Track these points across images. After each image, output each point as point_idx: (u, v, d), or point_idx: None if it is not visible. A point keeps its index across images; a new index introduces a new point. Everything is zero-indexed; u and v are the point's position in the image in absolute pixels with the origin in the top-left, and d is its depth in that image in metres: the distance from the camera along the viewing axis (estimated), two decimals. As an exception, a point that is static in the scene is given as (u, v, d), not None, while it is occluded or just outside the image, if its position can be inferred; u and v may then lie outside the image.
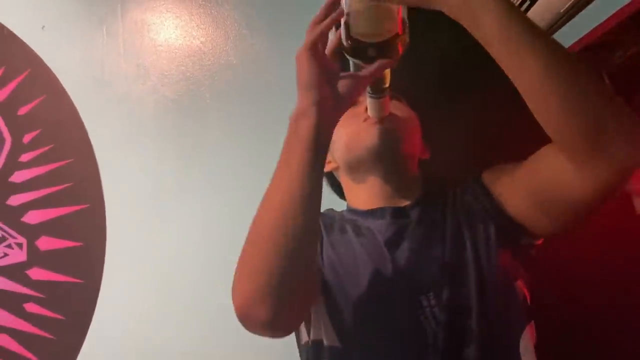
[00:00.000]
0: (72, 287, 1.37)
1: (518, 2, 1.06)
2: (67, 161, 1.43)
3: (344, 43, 0.72)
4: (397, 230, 0.84)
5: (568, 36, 1.00)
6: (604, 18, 0.88)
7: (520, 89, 0.65)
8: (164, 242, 1.36)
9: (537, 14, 1.02)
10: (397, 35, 0.72)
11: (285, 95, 1.15)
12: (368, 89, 0.81)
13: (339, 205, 1.01)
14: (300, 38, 1.36)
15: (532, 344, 0.79)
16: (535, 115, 0.66)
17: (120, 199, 1.40)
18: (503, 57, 0.65)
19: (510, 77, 0.65)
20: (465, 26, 0.65)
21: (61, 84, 1.45)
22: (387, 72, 0.78)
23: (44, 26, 1.46)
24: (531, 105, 0.65)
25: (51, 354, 1.35)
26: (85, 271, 1.38)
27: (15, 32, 1.49)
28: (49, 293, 1.38)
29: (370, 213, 0.88)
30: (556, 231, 0.80)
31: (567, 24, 1.00)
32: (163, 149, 1.39)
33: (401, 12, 0.72)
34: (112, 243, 1.38)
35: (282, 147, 0.71)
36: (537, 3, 1.00)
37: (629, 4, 0.82)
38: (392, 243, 0.83)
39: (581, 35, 0.96)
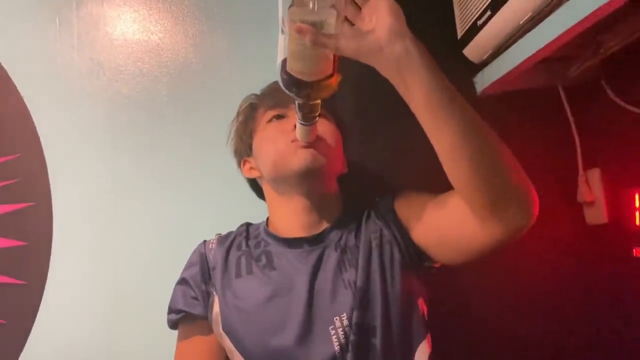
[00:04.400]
0: (14, 289, 1.30)
1: (479, 12, 1.07)
2: (13, 156, 1.36)
3: (280, 75, 0.77)
4: (314, 257, 0.91)
5: (525, 48, 1.02)
6: (561, 31, 0.90)
7: (436, 150, 0.73)
8: (115, 242, 1.31)
9: (497, 24, 1.04)
10: (330, 75, 0.76)
11: (243, 96, 1.13)
12: (298, 116, 0.85)
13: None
14: (260, 37, 1.36)
15: (427, 354, 0.87)
16: (446, 173, 0.74)
17: (69, 197, 1.33)
18: (425, 121, 0.71)
19: (429, 137, 0.72)
20: (394, 85, 0.71)
21: (9, 76, 1.37)
22: (318, 104, 0.82)
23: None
24: (444, 165, 0.73)
25: (-11, 360, 1.28)
26: (29, 272, 1.31)
27: (-40, 20, 1.41)
28: (-12, 295, 1.31)
29: (287, 243, 0.95)
30: (452, 263, 0.88)
31: (525, 36, 1.01)
32: (116, 146, 1.34)
33: (336, 54, 0.75)
34: (58, 243, 1.31)
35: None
36: (497, 14, 1.02)
37: (585, 19, 0.84)
38: (310, 270, 0.89)
39: (538, 48, 0.98)
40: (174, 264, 1.04)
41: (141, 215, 1.32)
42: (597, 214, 1.19)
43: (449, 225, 0.82)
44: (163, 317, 1.01)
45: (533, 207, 0.73)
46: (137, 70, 1.37)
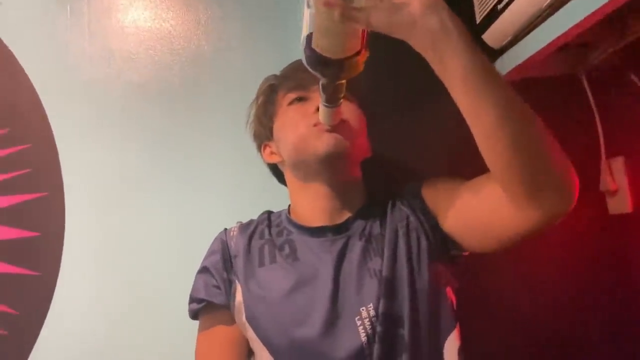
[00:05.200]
0: (27, 279, 1.30)
1: (500, -5, 1.04)
2: (24, 146, 1.35)
3: (303, 51, 0.71)
4: (338, 246, 0.89)
5: (547, 33, 0.99)
6: (584, 16, 0.87)
7: (473, 132, 0.68)
8: (127, 233, 1.30)
9: (518, 9, 1.00)
10: (358, 52, 0.71)
11: (256, 84, 1.11)
12: (322, 97, 0.80)
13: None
14: (272, 24, 1.34)
15: (456, 346, 0.84)
16: (482, 155, 0.69)
17: (81, 187, 1.32)
18: (462, 100, 0.67)
19: (465, 118, 0.68)
20: (429, 62, 0.66)
21: (20, 65, 1.36)
22: (343, 84, 0.77)
23: (0, 2, 1.37)
24: (482, 147, 0.69)
25: (3, 351, 1.28)
26: (42, 263, 1.30)
27: (-30, 7, 1.40)
28: (1, 286, 1.30)
29: (311, 232, 0.92)
30: (483, 251, 0.85)
31: (546, 21, 0.98)
32: (127, 135, 1.33)
33: (366, 29, 0.70)
34: (71, 234, 1.31)
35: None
36: (518, -3, 0.99)
37: (608, 3, 0.81)
38: (334, 259, 0.87)
39: (560, 33, 0.95)
40: (187, 253, 1.04)
41: (154, 205, 1.31)
42: (620, 203, 1.16)
43: (483, 211, 0.78)
44: (177, 307, 1.00)
45: (574, 190, 0.69)
46: (148, 57, 1.36)
